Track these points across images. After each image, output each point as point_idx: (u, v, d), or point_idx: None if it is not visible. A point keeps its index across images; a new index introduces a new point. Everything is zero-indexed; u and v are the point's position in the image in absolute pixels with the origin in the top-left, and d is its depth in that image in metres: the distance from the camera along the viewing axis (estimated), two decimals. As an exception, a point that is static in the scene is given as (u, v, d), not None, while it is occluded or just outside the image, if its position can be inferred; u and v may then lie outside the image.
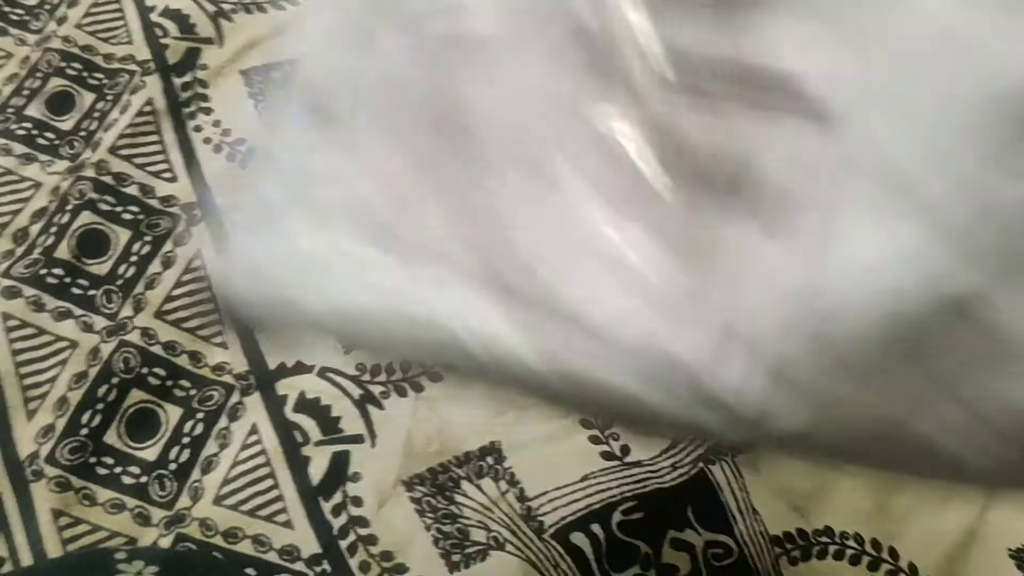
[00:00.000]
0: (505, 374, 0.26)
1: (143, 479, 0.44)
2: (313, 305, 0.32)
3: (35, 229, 0.49)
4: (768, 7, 0.23)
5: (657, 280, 0.23)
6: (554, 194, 0.24)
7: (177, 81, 0.53)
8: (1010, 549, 0.44)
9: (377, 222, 0.27)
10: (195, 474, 0.45)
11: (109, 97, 0.53)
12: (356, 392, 0.47)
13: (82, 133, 0.52)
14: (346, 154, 0.28)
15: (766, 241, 0.22)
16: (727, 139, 0.22)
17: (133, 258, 0.49)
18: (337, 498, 0.45)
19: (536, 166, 0.25)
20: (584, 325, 0.24)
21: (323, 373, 0.47)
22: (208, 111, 0.53)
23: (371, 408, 0.47)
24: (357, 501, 0.45)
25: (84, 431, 0.44)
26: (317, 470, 0.45)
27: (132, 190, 0.51)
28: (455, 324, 0.27)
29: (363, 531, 0.44)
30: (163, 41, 0.55)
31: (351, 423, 0.46)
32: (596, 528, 0.44)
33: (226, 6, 0.56)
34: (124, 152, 0.51)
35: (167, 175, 0.51)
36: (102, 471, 0.44)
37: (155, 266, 0.49)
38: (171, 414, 0.46)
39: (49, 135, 0.52)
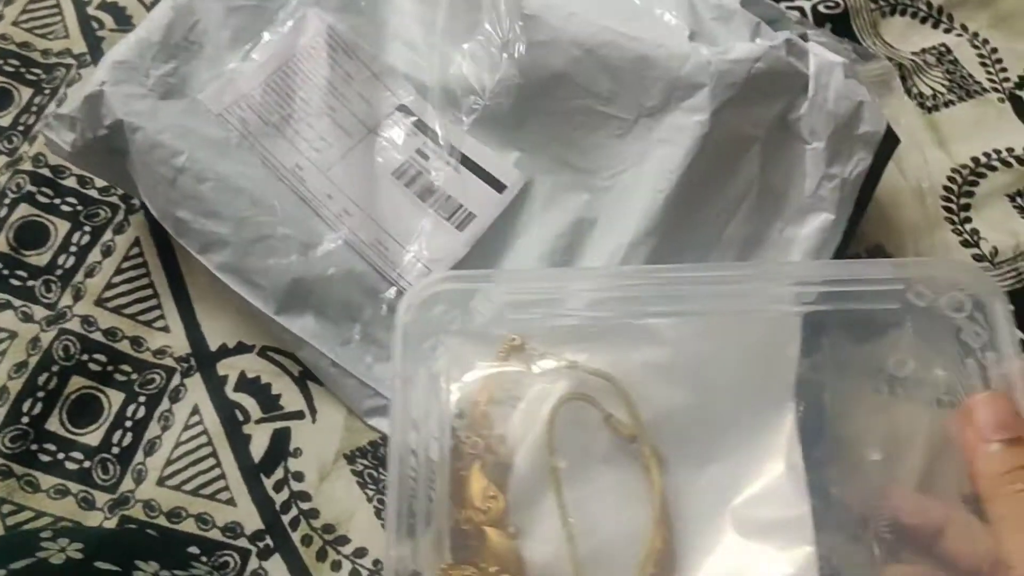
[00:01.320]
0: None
1: (86, 464, 0.45)
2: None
3: (-27, 224, 0.50)
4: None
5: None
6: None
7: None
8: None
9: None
10: (138, 457, 0.45)
11: (46, 91, 0.53)
12: (296, 369, 0.47)
13: (20, 128, 0.52)
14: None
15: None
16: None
17: (72, 248, 0.49)
18: (279, 474, 0.45)
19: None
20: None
21: (263, 352, 0.48)
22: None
23: (311, 384, 0.47)
24: (299, 476, 0.45)
25: (25, 419, 0.45)
26: (258, 447, 0.45)
27: (70, 182, 0.51)
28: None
29: (305, 505, 0.44)
30: (99, 34, 0.55)
31: (292, 400, 0.47)
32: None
33: (159, -4, 0.56)
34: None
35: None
36: (45, 458, 0.45)
37: (94, 255, 0.49)
38: (113, 399, 0.46)
39: (-13, 132, 0.53)
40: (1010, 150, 0.55)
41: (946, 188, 0.54)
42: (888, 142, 0.45)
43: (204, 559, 0.42)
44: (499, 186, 0.46)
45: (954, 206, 0.54)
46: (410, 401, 0.37)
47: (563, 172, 0.46)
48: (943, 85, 0.58)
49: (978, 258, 0.52)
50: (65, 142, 0.45)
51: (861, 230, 0.48)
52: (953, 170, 0.55)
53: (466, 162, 0.46)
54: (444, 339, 0.38)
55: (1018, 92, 0.58)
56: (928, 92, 0.58)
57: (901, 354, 0.39)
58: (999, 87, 0.58)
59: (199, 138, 0.45)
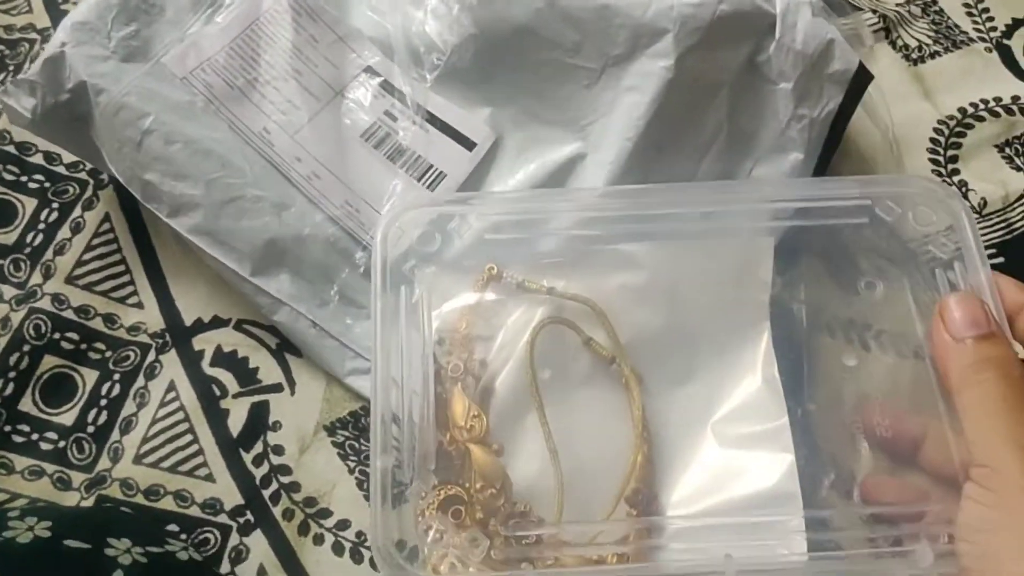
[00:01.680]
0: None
1: (61, 444, 0.44)
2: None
3: (-58, 205, 0.49)
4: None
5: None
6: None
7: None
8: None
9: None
10: (114, 435, 0.44)
11: (10, 67, 0.52)
12: (273, 342, 0.46)
13: (-16, 105, 0.51)
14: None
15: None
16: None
17: (41, 226, 0.48)
18: (258, 448, 0.44)
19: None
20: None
21: (239, 325, 0.47)
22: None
23: (289, 356, 0.46)
24: (278, 450, 0.44)
25: (-3, 400, 0.44)
26: (236, 422, 0.44)
27: (37, 159, 0.50)
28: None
29: (285, 479, 0.43)
30: (63, 7, 0.54)
31: (269, 373, 0.46)
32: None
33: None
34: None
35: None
36: (19, 439, 0.44)
37: (64, 232, 0.48)
38: (87, 377, 0.45)
39: (-48, 111, 0.51)
40: (998, 99, 0.54)
41: (933, 140, 0.53)
42: (860, 79, 0.44)
43: (183, 536, 0.42)
44: (469, 144, 0.45)
45: (941, 158, 0.53)
46: (390, 336, 0.36)
47: (533, 126, 0.45)
48: (928, 36, 0.57)
49: (966, 210, 0.51)
50: (25, 108, 0.43)
51: (837, 173, 0.48)
52: (940, 122, 0.54)
53: (434, 121, 0.45)
54: (423, 268, 0.38)
55: (1005, 41, 0.57)
56: (913, 44, 0.56)
57: (872, 268, 0.40)
58: (986, 36, 0.57)
59: (164, 101, 0.43)
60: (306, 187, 0.44)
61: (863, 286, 0.40)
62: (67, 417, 0.44)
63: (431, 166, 0.44)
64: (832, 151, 0.45)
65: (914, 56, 0.56)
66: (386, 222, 0.37)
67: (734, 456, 0.38)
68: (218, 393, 0.45)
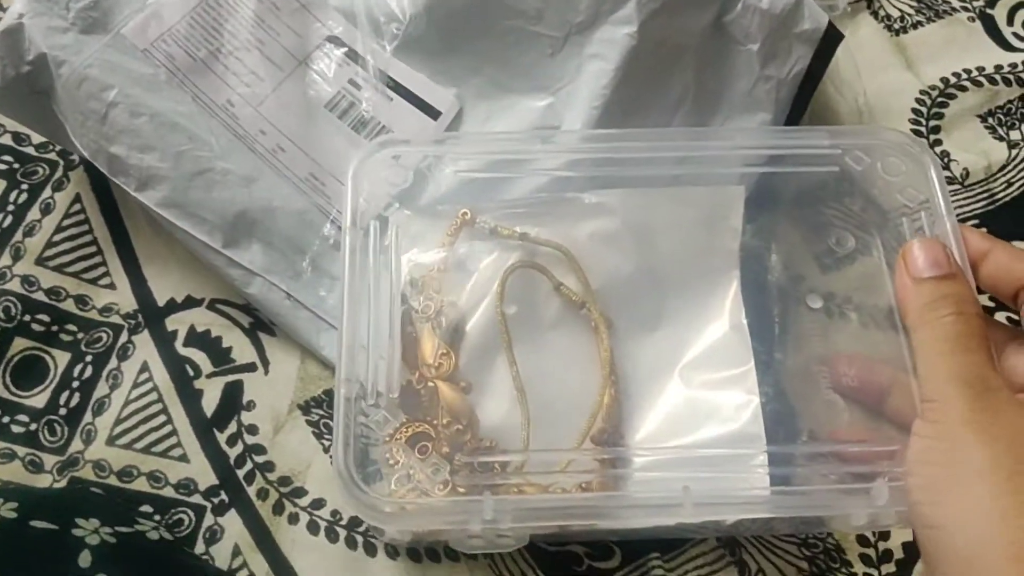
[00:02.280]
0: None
1: (32, 426, 0.43)
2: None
3: (-90, 188, 0.48)
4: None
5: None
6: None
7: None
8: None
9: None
10: (87, 417, 0.44)
11: (-22, 47, 0.51)
12: (246, 321, 0.46)
13: (-49, 86, 0.50)
14: None
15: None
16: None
17: (10, 207, 0.47)
18: (232, 428, 0.44)
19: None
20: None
21: (212, 305, 0.46)
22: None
23: (263, 335, 0.46)
24: (252, 429, 0.44)
25: (-33, 383, 0.43)
26: (210, 402, 0.44)
27: (5, 139, 0.49)
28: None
29: (260, 458, 0.43)
30: (32, -14, 0.53)
31: (243, 352, 0.45)
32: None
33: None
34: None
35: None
36: (-11, 422, 0.43)
37: (33, 213, 0.47)
38: (59, 359, 0.45)
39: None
40: (980, 69, 0.54)
41: (915, 110, 0.53)
42: (830, 38, 0.44)
43: (157, 517, 0.41)
44: (434, 113, 0.44)
45: (923, 128, 0.52)
46: (360, 274, 0.36)
47: (497, 95, 0.45)
48: (911, 6, 0.56)
49: (948, 181, 0.50)
50: None
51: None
52: (922, 92, 0.53)
53: (399, 90, 0.45)
54: (395, 210, 0.38)
55: (988, 11, 0.56)
56: (896, 14, 0.56)
57: (841, 220, 0.40)
58: (968, 6, 0.56)
59: (128, 74, 0.43)
60: (271, 160, 0.43)
61: (834, 242, 0.40)
62: (39, 399, 0.44)
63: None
64: (800, 112, 0.45)
65: (896, 26, 0.55)
66: (358, 161, 0.37)
67: (700, 399, 0.38)
68: (191, 373, 0.45)
